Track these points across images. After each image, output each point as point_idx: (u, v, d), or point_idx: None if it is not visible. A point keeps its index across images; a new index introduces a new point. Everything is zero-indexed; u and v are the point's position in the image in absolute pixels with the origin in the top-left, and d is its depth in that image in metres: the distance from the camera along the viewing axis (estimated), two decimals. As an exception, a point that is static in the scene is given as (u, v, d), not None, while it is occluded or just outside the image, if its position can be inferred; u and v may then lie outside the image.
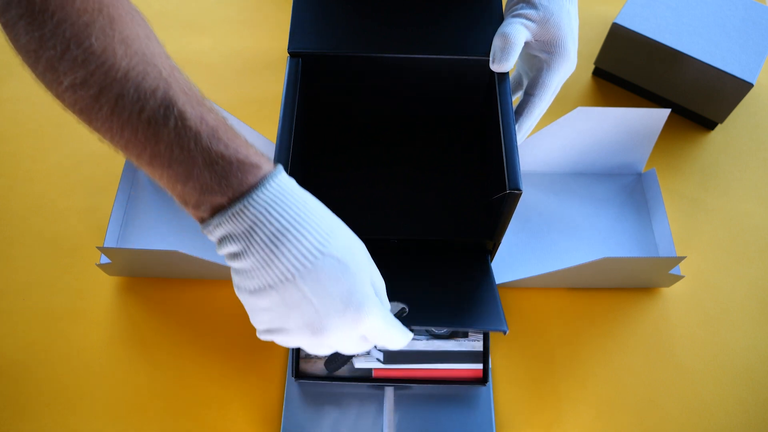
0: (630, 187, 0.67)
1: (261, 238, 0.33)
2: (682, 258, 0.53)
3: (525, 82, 0.53)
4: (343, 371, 0.52)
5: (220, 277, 0.60)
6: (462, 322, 0.46)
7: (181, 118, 0.33)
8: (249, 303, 0.35)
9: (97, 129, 0.34)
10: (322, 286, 0.33)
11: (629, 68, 0.72)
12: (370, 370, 0.52)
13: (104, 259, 0.58)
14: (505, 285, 0.60)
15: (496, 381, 0.56)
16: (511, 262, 0.61)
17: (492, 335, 0.58)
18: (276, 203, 0.33)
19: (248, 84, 0.75)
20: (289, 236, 0.33)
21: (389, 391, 0.53)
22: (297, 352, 0.53)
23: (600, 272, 0.56)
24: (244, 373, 0.56)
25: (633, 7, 0.70)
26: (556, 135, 0.62)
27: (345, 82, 0.52)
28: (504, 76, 0.48)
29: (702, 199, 0.67)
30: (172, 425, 0.53)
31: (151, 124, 0.32)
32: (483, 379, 0.52)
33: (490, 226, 0.50)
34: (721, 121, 0.70)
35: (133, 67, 0.32)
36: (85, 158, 0.68)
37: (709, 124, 0.72)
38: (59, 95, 0.33)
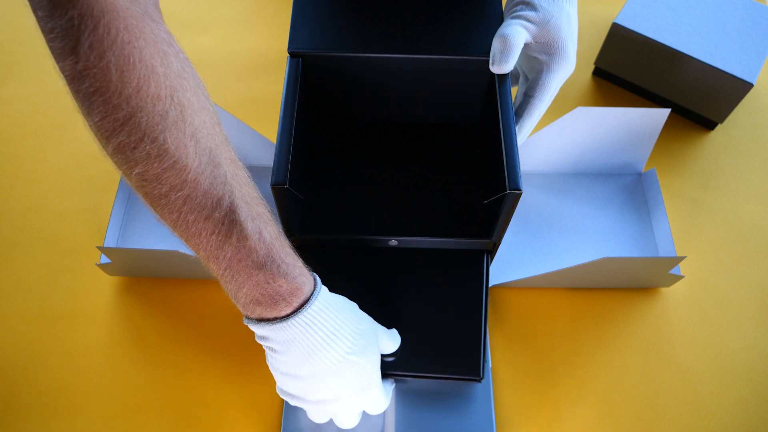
0: (630, 187, 0.67)
1: (298, 348, 0.40)
2: (682, 258, 0.53)
3: (525, 84, 0.53)
4: None
5: (220, 277, 0.60)
6: (438, 369, 0.49)
7: (242, 236, 0.36)
8: (278, 376, 0.43)
9: (158, 212, 0.35)
10: (341, 380, 0.42)
11: (629, 68, 0.72)
12: None
13: (104, 259, 0.58)
14: (505, 285, 0.60)
15: (496, 380, 0.56)
16: (511, 262, 0.61)
17: (491, 333, 0.58)
18: (314, 324, 0.39)
19: (248, 84, 0.75)
20: (322, 348, 0.40)
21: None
22: None
23: (600, 272, 0.56)
24: (244, 373, 0.56)
25: (633, 7, 0.70)
26: (556, 135, 0.62)
27: (345, 82, 0.52)
28: (504, 77, 0.48)
29: (702, 199, 0.67)
30: (172, 425, 0.53)
31: (213, 233, 0.35)
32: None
33: (490, 226, 0.50)
34: (721, 121, 0.70)
35: (203, 170, 0.34)
36: (85, 158, 0.68)
37: (709, 124, 0.72)
38: (125, 174, 0.34)
